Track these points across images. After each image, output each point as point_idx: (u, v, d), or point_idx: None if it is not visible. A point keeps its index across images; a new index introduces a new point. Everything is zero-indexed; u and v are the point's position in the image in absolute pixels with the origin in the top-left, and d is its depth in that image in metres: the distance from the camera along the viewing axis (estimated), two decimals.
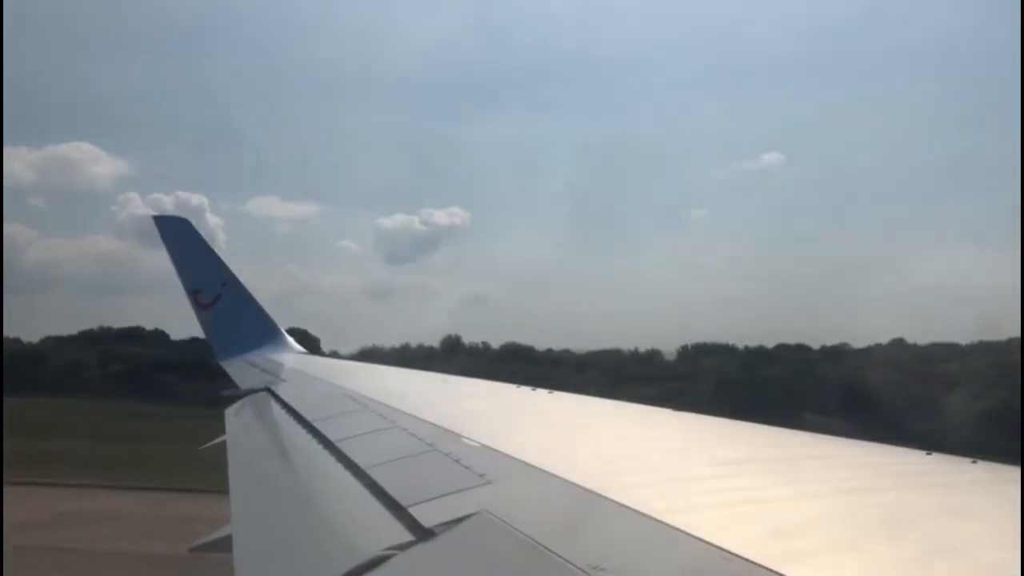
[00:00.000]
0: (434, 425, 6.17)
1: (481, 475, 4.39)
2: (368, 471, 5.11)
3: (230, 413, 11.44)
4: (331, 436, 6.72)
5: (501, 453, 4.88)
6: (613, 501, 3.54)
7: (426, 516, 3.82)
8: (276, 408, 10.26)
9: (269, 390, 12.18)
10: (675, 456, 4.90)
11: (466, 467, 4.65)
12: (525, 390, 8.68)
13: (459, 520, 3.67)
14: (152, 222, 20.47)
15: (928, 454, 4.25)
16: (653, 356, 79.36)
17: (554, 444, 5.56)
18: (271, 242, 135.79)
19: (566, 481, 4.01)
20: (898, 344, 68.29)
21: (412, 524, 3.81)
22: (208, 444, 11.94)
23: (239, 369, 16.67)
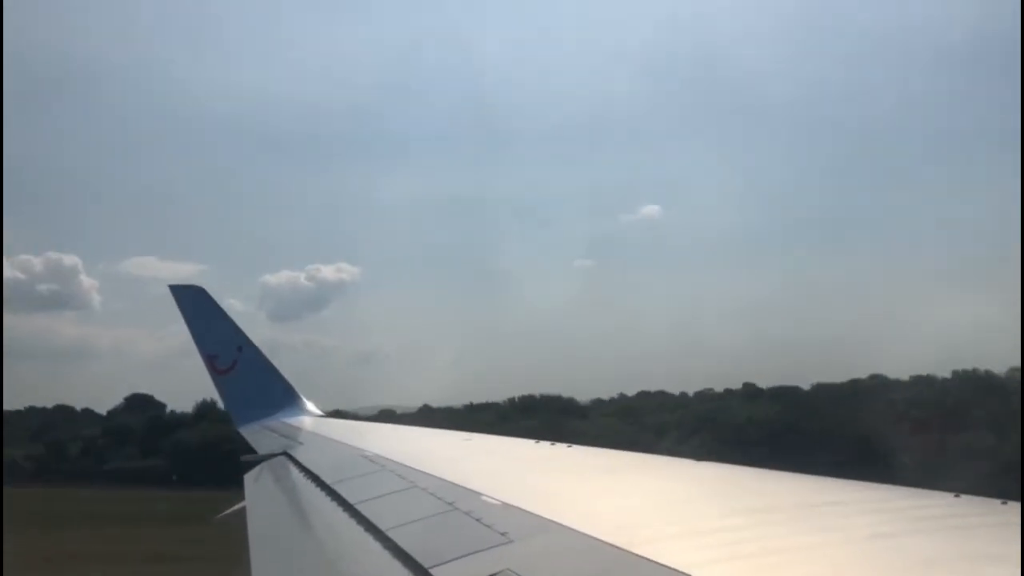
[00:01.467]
0: (453, 484, 6.14)
1: (503, 533, 4.36)
2: (389, 533, 5.08)
3: (249, 479, 11.41)
4: (351, 498, 6.69)
5: (522, 510, 4.84)
6: (637, 555, 3.50)
7: None
8: (295, 472, 10.23)
9: (287, 454, 12.16)
10: (697, 507, 4.85)
11: (487, 526, 4.62)
12: (544, 445, 8.62)
13: None
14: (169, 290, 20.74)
15: (956, 496, 4.19)
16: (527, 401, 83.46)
17: (575, 499, 5.51)
18: (150, 304, 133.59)
19: (588, 536, 3.98)
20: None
21: None
22: (227, 512, 11.89)
23: (257, 434, 16.65)
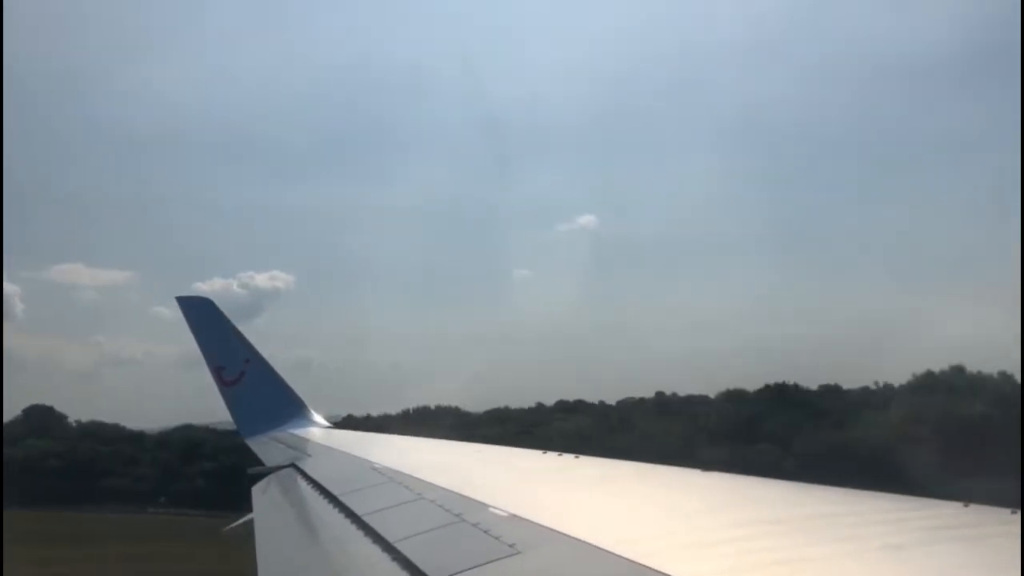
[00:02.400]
0: (460, 495, 6.13)
1: (511, 545, 4.36)
2: (396, 545, 5.08)
3: (257, 491, 11.41)
4: (358, 510, 6.69)
5: (529, 521, 4.84)
6: (644, 566, 3.50)
7: None
8: (302, 484, 10.23)
9: (295, 466, 12.16)
10: (705, 518, 4.84)
11: (495, 537, 4.61)
12: (551, 455, 8.61)
13: None
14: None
15: (965, 505, 4.17)
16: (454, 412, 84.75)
17: (582, 510, 5.51)
18: (76, 311, 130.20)
19: (596, 547, 3.97)
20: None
21: None
22: (235, 524, 11.89)
23: (264, 446, 16.66)
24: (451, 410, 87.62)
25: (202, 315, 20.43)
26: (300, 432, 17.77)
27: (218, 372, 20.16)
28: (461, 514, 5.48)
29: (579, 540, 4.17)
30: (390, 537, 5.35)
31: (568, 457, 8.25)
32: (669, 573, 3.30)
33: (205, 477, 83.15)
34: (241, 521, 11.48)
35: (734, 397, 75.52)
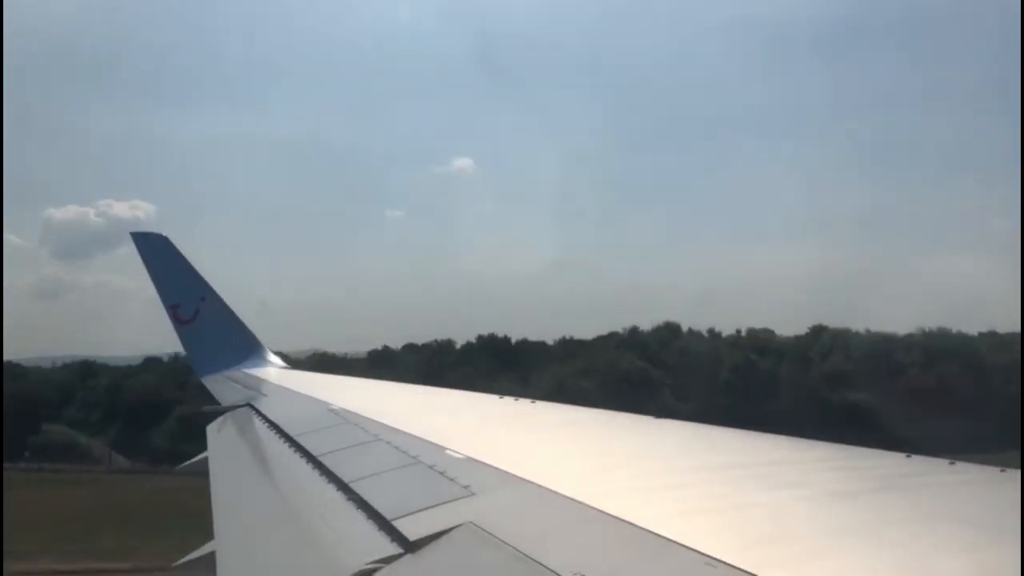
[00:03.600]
0: (417, 437, 6.16)
1: (465, 487, 4.39)
2: (352, 485, 5.10)
3: (212, 429, 11.36)
4: (314, 451, 6.69)
5: (485, 464, 4.88)
6: (596, 510, 3.55)
7: (411, 529, 3.81)
8: (258, 424, 10.20)
9: (251, 406, 12.10)
10: (657, 463, 4.92)
11: (450, 479, 4.65)
12: (508, 400, 8.68)
13: (444, 532, 3.67)
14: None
15: (908, 456, 4.29)
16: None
17: (537, 454, 5.57)
18: None
19: (550, 491, 4.02)
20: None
21: (397, 537, 3.80)
22: (189, 461, 11.85)
23: (220, 385, 16.56)
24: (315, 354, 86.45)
25: (156, 252, 20.06)
26: (256, 372, 17.68)
27: (173, 310, 19.91)
28: (418, 456, 5.50)
29: (534, 483, 4.22)
30: (346, 477, 5.36)
31: (525, 402, 8.33)
32: (622, 517, 3.35)
33: None
34: (196, 459, 11.44)
35: (570, 344, 77.17)
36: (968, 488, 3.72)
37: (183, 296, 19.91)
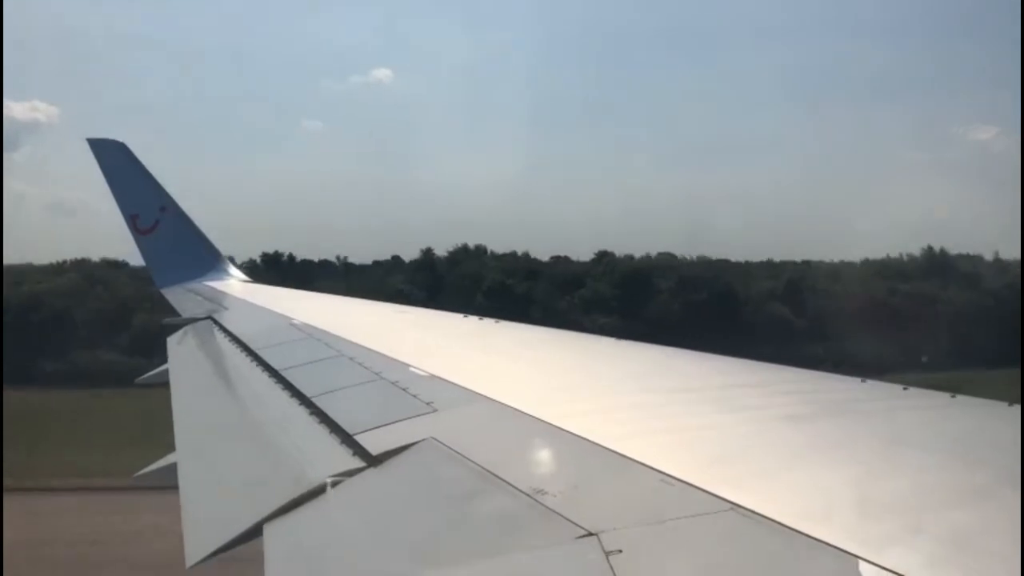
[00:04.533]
0: (381, 354, 6.18)
1: (428, 403, 4.43)
2: (315, 400, 5.11)
3: (172, 341, 11.27)
4: (276, 365, 6.69)
5: (447, 382, 4.91)
6: (557, 427, 3.60)
7: (373, 444, 3.85)
8: (219, 337, 10.14)
9: (212, 319, 12.02)
10: (617, 384, 4.99)
11: (413, 396, 4.68)
12: (472, 319, 8.71)
13: (406, 447, 3.71)
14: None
15: (863, 381, 4.39)
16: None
17: (499, 372, 5.62)
18: None
19: (511, 408, 4.07)
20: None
21: (360, 452, 3.83)
22: (149, 374, 11.79)
23: (180, 297, 16.38)
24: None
25: (114, 159, 19.51)
26: (218, 285, 17.51)
27: (133, 220, 19.52)
28: (380, 372, 5.52)
29: (496, 401, 4.26)
30: (308, 392, 5.37)
31: (488, 321, 8.37)
32: (582, 435, 3.41)
33: None
34: (155, 371, 11.39)
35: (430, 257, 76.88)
36: (918, 413, 3.82)
37: (142, 206, 19.49)
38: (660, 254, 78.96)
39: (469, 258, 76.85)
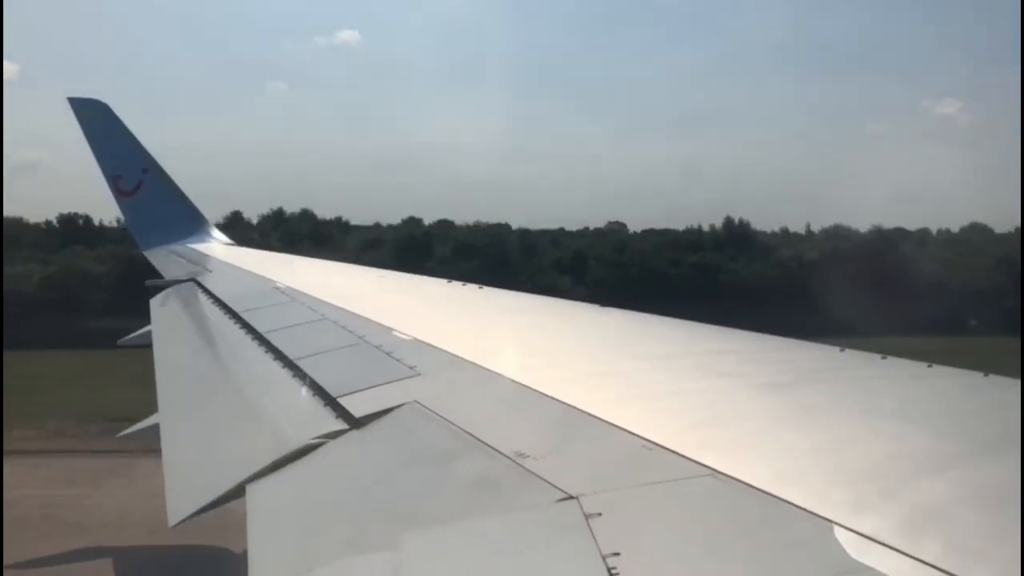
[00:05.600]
0: (364, 318, 6.18)
1: (411, 367, 4.45)
2: (298, 362, 5.12)
3: (155, 303, 11.23)
4: (260, 328, 6.68)
5: (431, 346, 4.93)
6: (539, 392, 3.63)
7: (356, 406, 3.86)
8: (203, 299, 10.11)
9: (195, 281, 11.97)
10: (599, 350, 5.02)
11: (396, 359, 4.69)
12: (455, 284, 8.72)
13: (388, 410, 3.73)
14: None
15: (842, 350, 4.44)
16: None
17: (482, 338, 5.64)
18: None
19: (494, 373, 4.09)
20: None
21: (342, 414, 3.85)
22: (131, 335, 11.76)
23: (163, 259, 16.29)
24: None
25: (97, 119, 19.25)
26: (201, 247, 17.41)
27: (115, 181, 19.32)
28: (364, 336, 5.53)
29: (478, 366, 4.29)
30: (291, 355, 5.38)
31: (471, 287, 8.37)
32: (563, 400, 3.43)
33: None
34: (139, 332, 11.35)
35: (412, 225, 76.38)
36: (895, 382, 3.87)
37: (125, 167, 19.28)
38: (610, 223, 78.52)
39: (441, 229, 76.00)
